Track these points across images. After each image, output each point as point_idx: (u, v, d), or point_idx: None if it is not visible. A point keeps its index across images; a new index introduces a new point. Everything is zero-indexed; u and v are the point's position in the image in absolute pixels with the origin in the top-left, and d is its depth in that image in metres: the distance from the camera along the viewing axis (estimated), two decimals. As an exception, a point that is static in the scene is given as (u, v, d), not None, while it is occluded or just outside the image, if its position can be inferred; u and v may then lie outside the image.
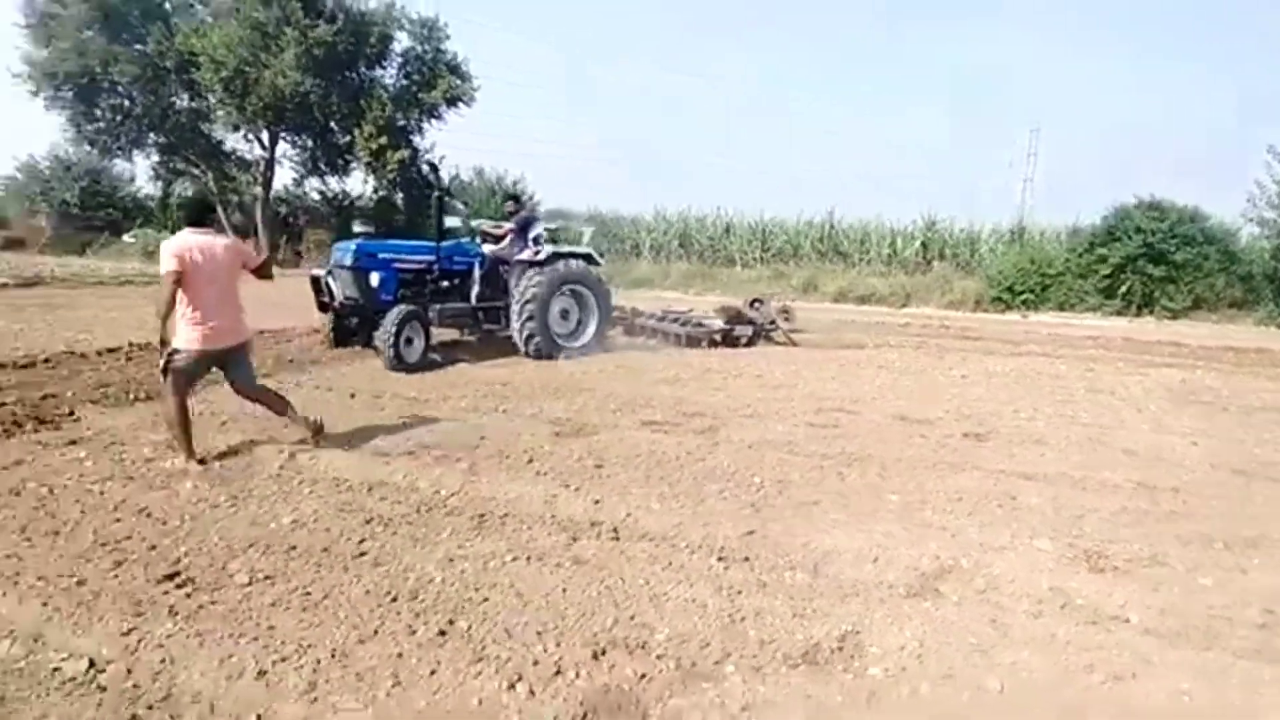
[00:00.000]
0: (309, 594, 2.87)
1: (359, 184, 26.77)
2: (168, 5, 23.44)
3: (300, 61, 21.29)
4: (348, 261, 7.86)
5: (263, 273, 4.82)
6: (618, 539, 3.52)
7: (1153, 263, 15.45)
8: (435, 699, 2.25)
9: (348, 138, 24.88)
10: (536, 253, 8.74)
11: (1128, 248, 15.66)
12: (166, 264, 4.24)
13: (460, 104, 24.14)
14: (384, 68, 24.09)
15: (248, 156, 26.03)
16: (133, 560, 3.11)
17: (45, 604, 2.73)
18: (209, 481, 4.11)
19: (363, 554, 3.25)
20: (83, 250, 27.74)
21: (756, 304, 11.35)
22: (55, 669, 2.39)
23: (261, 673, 2.33)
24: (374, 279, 7.82)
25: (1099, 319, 15.86)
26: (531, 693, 2.30)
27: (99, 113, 24.11)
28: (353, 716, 2.15)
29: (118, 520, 3.52)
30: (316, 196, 26.46)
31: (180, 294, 4.29)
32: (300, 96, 21.82)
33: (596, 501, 3.97)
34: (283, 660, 2.40)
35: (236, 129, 23.74)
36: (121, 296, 14.52)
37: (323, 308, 8.32)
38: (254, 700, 2.22)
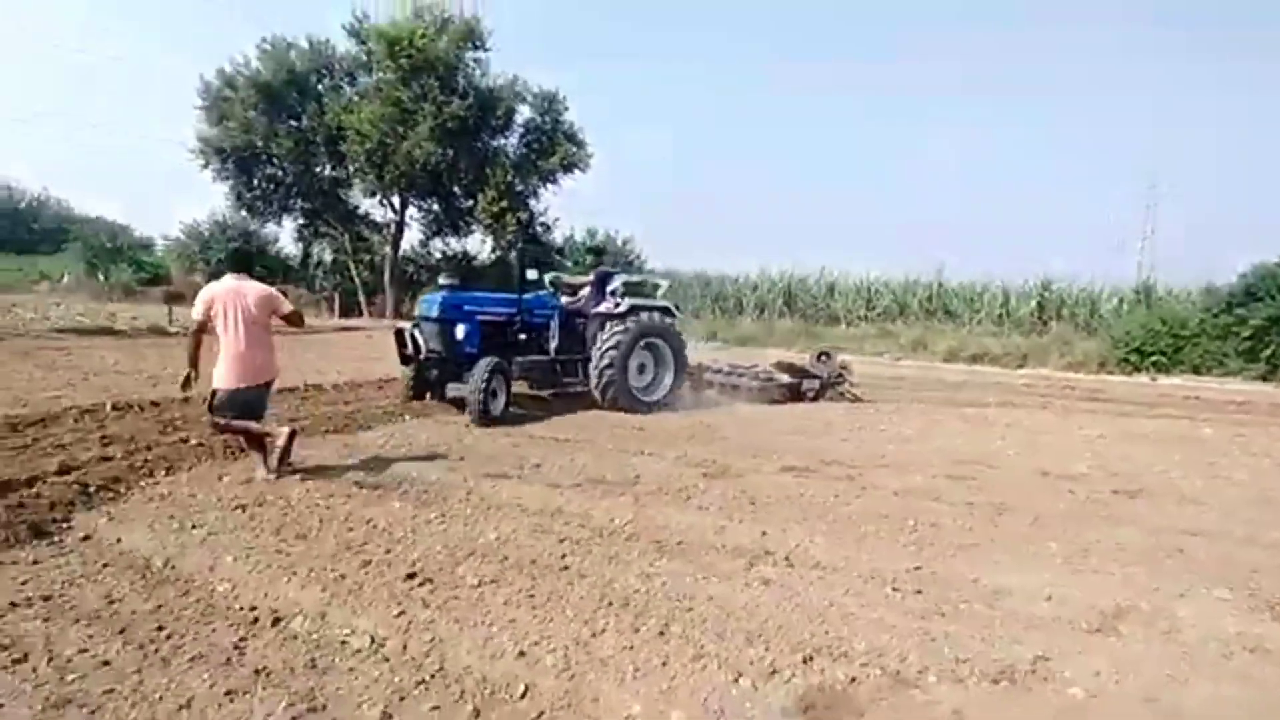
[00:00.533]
0: (533, 596, 3.26)
1: (477, 244, 28.55)
2: (319, 86, 26.12)
3: (434, 134, 23.22)
4: (434, 313, 7.87)
5: (292, 320, 5.26)
6: (792, 566, 3.77)
7: (1299, 325, 14.56)
8: (673, 684, 2.56)
9: (469, 201, 26.77)
10: (616, 305, 8.73)
11: (1271, 308, 14.82)
12: (195, 311, 4.90)
13: (576, 169, 25.58)
14: (506, 137, 25.92)
15: (379, 219, 28.35)
16: (376, 561, 3.61)
17: (323, 590, 3.23)
18: (411, 502, 4.63)
19: (566, 567, 3.63)
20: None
21: (824, 358, 11.18)
22: (343, 641, 2.84)
23: (521, 654, 2.72)
24: (459, 331, 7.80)
25: (1240, 383, 14.95)
26: (754, 687, 2.57)
27: (256, 182, 26.91)
28: (611, 693, 2.48)
29: (350, 530, 4.06)
30: (439, 255, 28.27)
31: (219, 336, 4.87)
32: (432, 165, 23.68)
33: (763, 533, 4.24)
34: (535, 644, 2.78)
35: (373, 194, 25.93)
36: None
37: (405, 360, 8.20)
38: (517, 675, 2.59)
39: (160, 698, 2.36)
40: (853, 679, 2.64)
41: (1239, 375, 15.17)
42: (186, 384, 4.96)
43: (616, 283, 9.15)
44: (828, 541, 4.17)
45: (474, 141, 24.86)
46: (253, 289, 5.01)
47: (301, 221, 29.11)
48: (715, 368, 10.84)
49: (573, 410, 8.44)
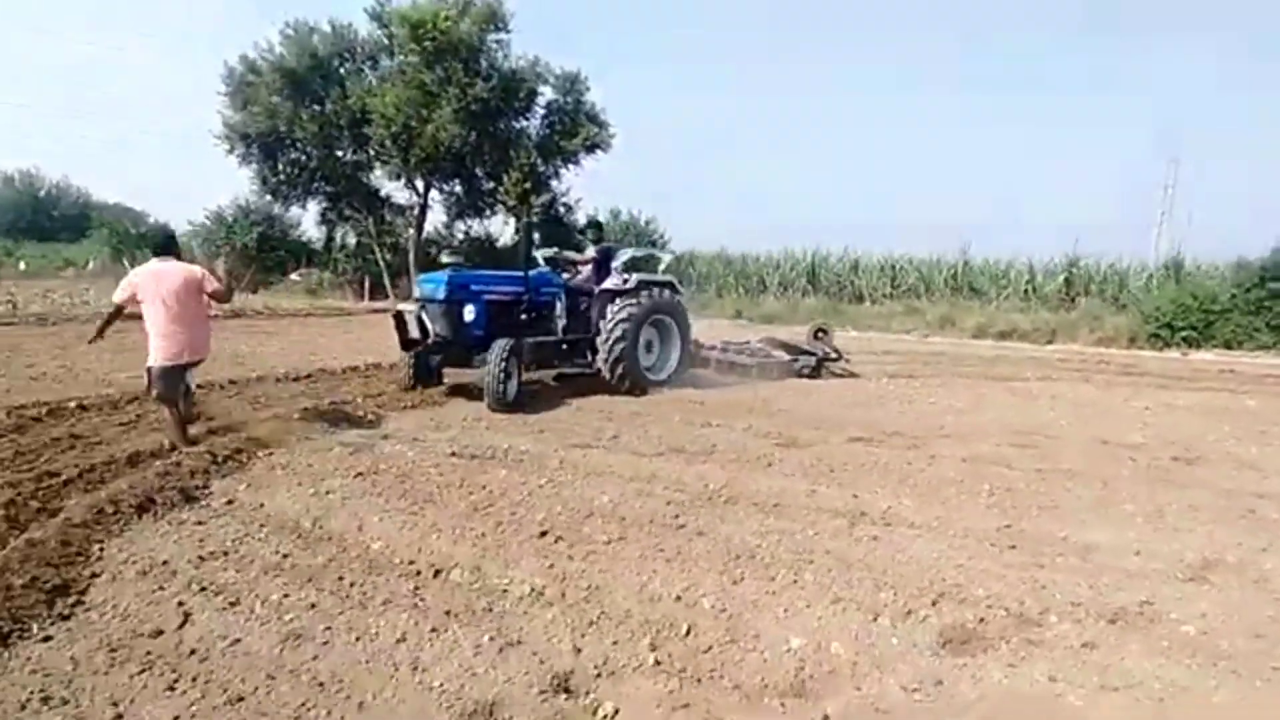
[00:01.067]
0: (662, 550, 3.53)
1: (499, 226, 28.72)
2: (342, 70, 26.20)
3: (458, 116, 23.33)
4: (440, 294, 7.39)
5: (219, 297, 5.43)
6: (890, 525, 4.02)
7: (1334, 298, 14.61)
8: (820, 623, 2.82)
9: (491, 183, 26.92)
10: (625, 280, 8.38)
11: (1304, 283, 14.88)
12: (116, 293, 5.18)
13: (598, 150, 25.65)
14: (528, 119, 25.95)
15: (402, 202, 28.55)
16: (506, 521, 3.88)
17: (471, 546, 3.51)
18: (514, 470, 4.90)
19: (682, 525, 3.90)
20: (255, 288, 30.86)
21: (821, 334, 11.01)
22: (504, 590, 3.11)
23: (677, 598, 2.98)
24: (467, 312, 7.35)
25: (1272, 357, 15.03)
26: (894, 625, 2.83)
27: (280, 166, 27.13)
28: (769, 630, 2.74)
29: (471, 494, 4.33)
30: (461, 237, 28.46)
31: (146, 316, 5.08)
32: (456, 147, 23.81)
33: (854, 496, 4.49)
34: (686, 590, 3.04)
35: (397, 177, 26.11)
36: (313, 326, 16.35)
37: (407, 345, 7.66)
38: (678, 616, 2.86)
39: (376, 633, 2.64)
40: (980, 619, 2.89)
41: (1273, 349, 15.24)
42: (92, 341, 5.52)
43: (623, 258, 8.92)
44: (915, 503, 4.42)
45: (497, 123, 24.92)
46: (176, 270, 5.18)
47: (325, 205, 29.29)
48: (709, 345, 10.45)
49: (582, 393, 8.03)
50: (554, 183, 26.54)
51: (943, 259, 23.23)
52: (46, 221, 52.78)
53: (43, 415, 5.85)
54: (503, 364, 6.84)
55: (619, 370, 8.00)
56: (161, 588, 2.96)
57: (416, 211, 27.23)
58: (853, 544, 3.67)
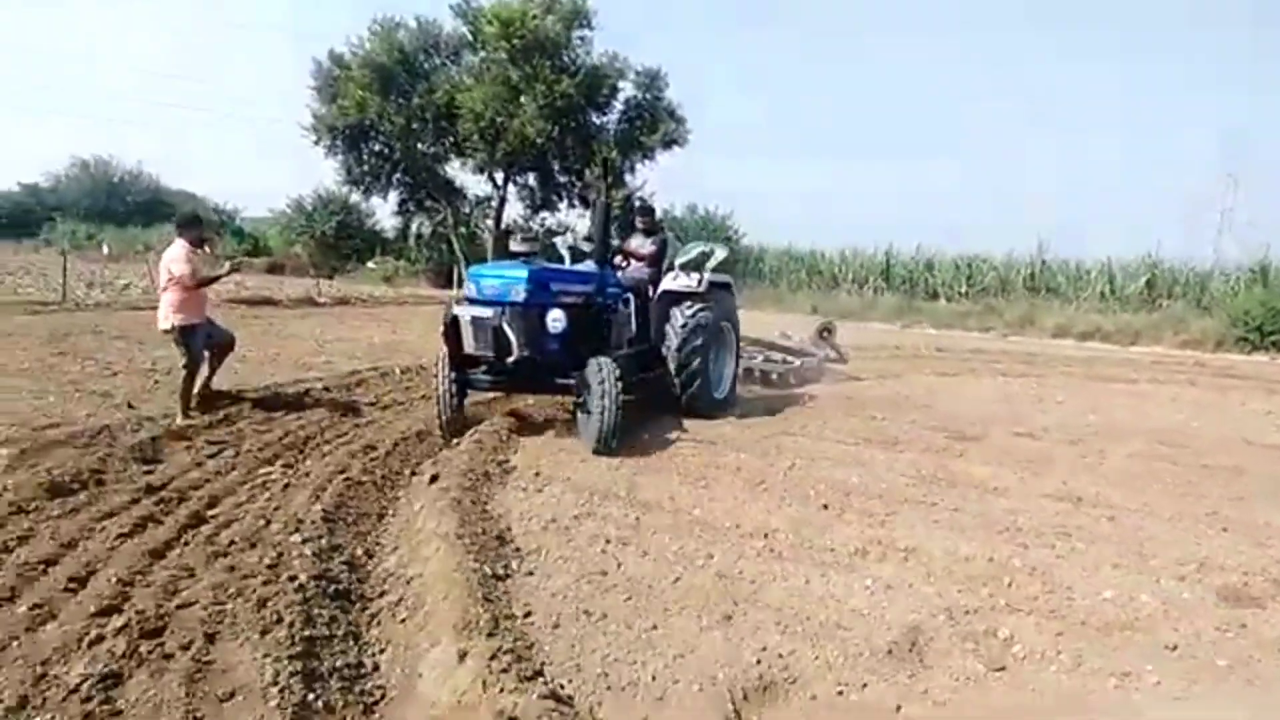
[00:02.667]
0: (936, 521, 4.22)
1: (573, 218, 29.54)
2: (427, 65, 27.15)
3: (543, 112, 24.14)
4: (518, 295, 5.63)
5: (183, 284, 5.81)
6: (1110, 509, 4.64)
7: None
8: (1116, 581, 3.49)
9: (566, 177, 27.76)
10: (700, 280, 6.94)
11: (1401, 289, 14.99)
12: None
13: (675, 146, 26.30)
14: (608, 114, 26.67)
15: (479, 194, 29.57)
16: (786, 496, 4.59)
17: (772, 513, 4.24)
18: (757, 456, 5.58)
19: (935, 503, 4.57)
20: (332, 275, 32.09)
21: (826, 334, 10.13)
22: (832, 548, 3.81)
23: (990, 559, 3.67)
24: (553, 321, 5.71)
25: (1364, 363, 15.21)
26: (1177, 584, 3.48)
27: (364, 157, 28.25)
28: (1081, 585, 3.42)
29: (737, 473, 5.06)
30: (539, 229, 29.34)
31: None
32: (539, 142, 24.61)
33: (1063, 483, 5.13)
34: (989, 552, 3.73)
35: (480, 170, 27.07)
36: (417, 311, 17.34)
37: (463, 363, 5.85)
38: (995, 572, 3.54)
39: (783, 575, 3.37)
40: (1244, 582, 3.53)
41: (1363, 355, 15.39)
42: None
43: (692, 253, 7.36)
44: (1116, 492, 5.03)
45: (579, 118, 25.69)
46: (168, 252, 6.00)
47: (404, 195, 30.38)
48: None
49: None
50: (628, 177, 27.19)
51: (1017, 258, 23.53)
52: (120, 207, 54.82)
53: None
54: (616, 391, 5.40)
55: (691, 389, 6.67)
56: (571, 540, 3.74)
57: (496, 203, 28.19)
58: (1093, 522, 4.32)
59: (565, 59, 24.93)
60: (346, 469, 4.75)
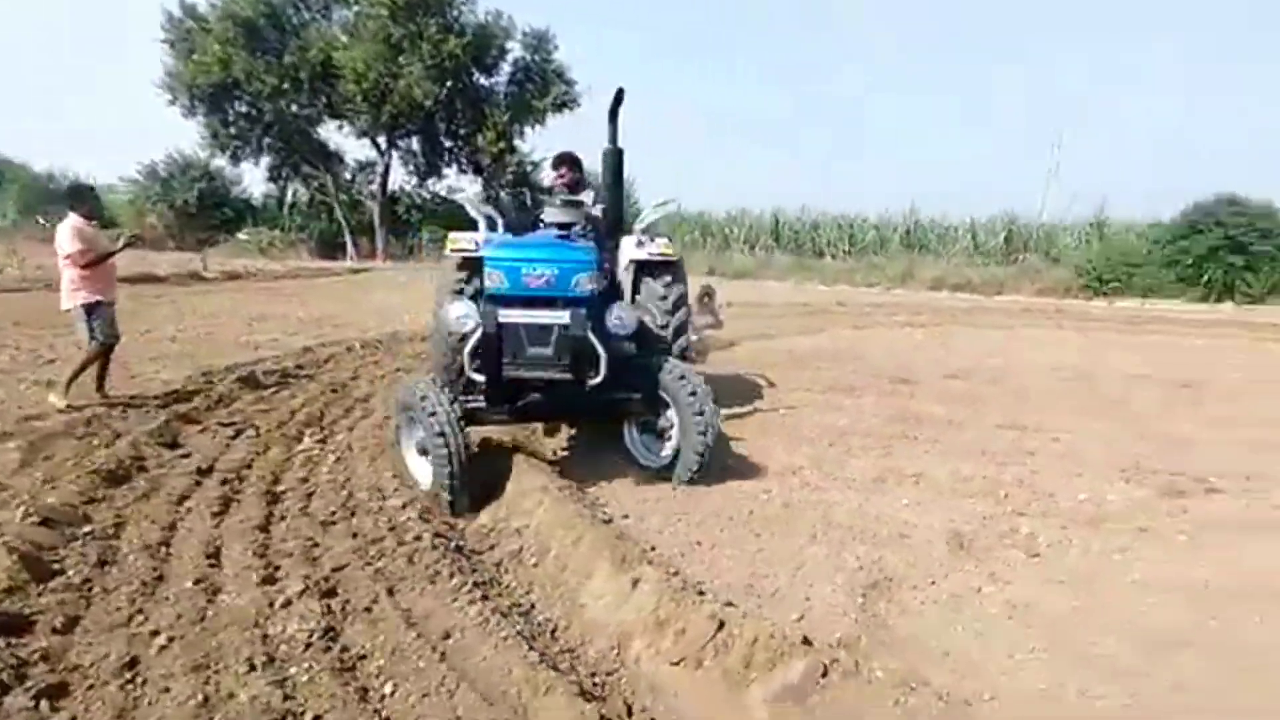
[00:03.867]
0: (928, 451, 4.92)
1: (464, 185, 28.84)
2: (296, 20, 25.44)
3: (430, 72, 23.34)
4: (590, 287, 4.18)
5: (75, 261, 5.34)
6: (1052, 432, 5.54)
7: (1234, 253, 17.43)
8: (1084, 487, 4.30)
9: (454, 141, 27.05)
10: (664, 251, 5.45)
11: (1210, 239, 17.63)
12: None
13: (566, 109, 26.16)
14: (495, 75, 26.07)
15: (361, 159, 28.25)
16: (809, 440, 5.18)
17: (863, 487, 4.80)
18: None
19: (916, 437, 5.29)
20: (198, 247, 29.81)
21: (706, 298, 8.41)
22: (851, 478, 4.42)
23: (984, 477, 4.39)
24: (621, 319, 4.31)
25: (1182, 304, 17.83)
26: (1129, 484, 4.34)
27: (230, 120, 26.24)
28: (1060, 490, 4.20)
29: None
30: (428, 195, 28.48)
31: None
32: (429, 105, 23.80)
33: (1006, 415, 6.02)
34: (983, 471, 4.45)
35: (363, 134, 25.82)
36: (320, 287, 16.70)
37: (501, 386, 4.15)
38: (990, 487, 4.26)
39: (815, 508, 3.91)
40: (1173, 480, 4.45)
41: (1181, 298, 18.03)
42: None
43: (648, 218, 5.74)
44: (1050, 419, 5.97)
45: (468, 79, 25.04)
46: (58, 228, 5.50)
47: (276, 161, 28.52)
48: None
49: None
50: (518, 142, 26.77)
51: (891, 218, 25.45)
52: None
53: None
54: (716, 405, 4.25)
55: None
56: (639, 487, 4.14)
57: (381, 169, 27.05)
58: (1045, 444, 5.19)
59: (449, 17, 24.10)
60: (380, 439, 4.87)
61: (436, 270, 5.72)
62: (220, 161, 28.84)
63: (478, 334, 4.02)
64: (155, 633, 2.54)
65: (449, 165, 28.32)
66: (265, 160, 28.34)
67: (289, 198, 30.24)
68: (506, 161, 24.98)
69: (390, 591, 2.85)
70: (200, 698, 2.17)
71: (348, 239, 27.67)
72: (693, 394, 4.14)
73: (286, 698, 2.19)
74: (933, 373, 8.00)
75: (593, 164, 5.34)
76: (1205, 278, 17.90)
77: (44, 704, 2.15)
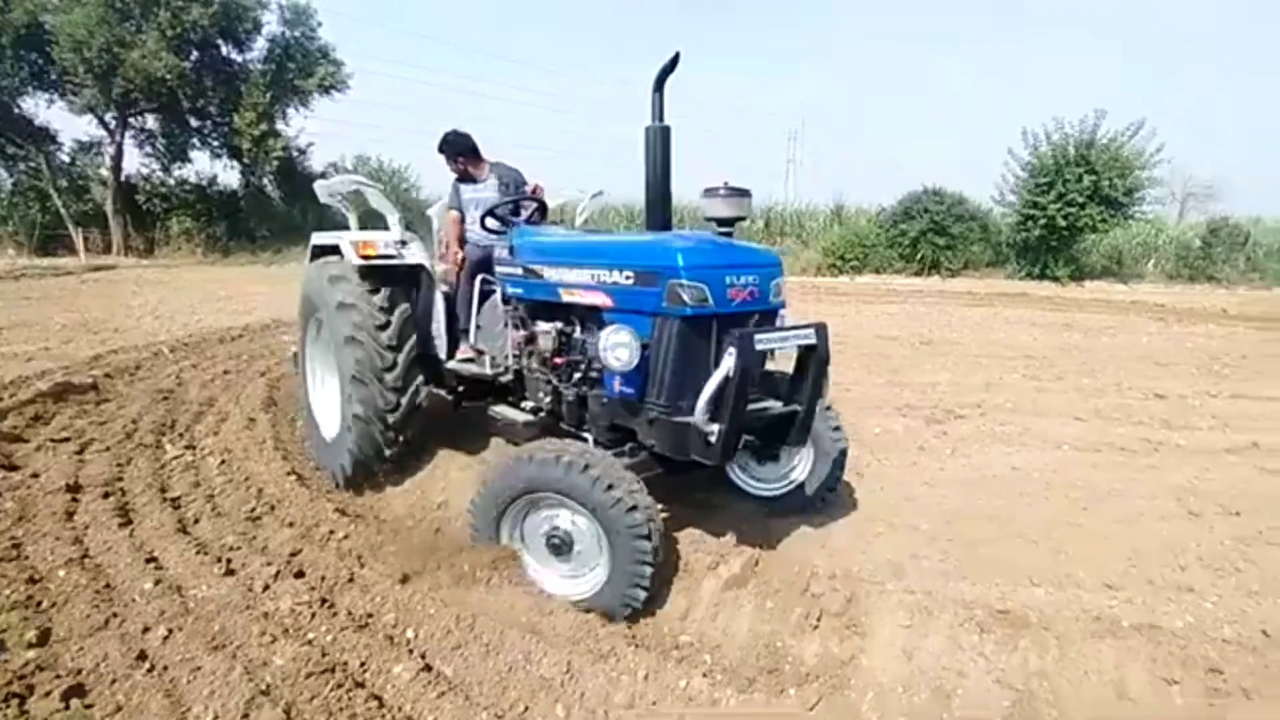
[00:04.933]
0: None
1: (220, 170, 26.08)
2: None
3: (170, 44, 20.88)
4: (781, 297, 3.41)
5: None
6: (1020, 391, 6.83)
7: (938, 235, 21.20)
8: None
9: (199, 121, 24.39)
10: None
11: (920, 224, 21.27)
12: None
13: (334, 91, 24.65)
14: (248, 51, 23.82)
15: (81, 138, 24.41)
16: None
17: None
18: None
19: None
20: None
21: None
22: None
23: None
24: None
25: (904, 278, 21.36)
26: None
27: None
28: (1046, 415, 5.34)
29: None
30: (174, 181, 25.32)
31: None
32: (170, 80, 21.23)
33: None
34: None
35: (90, 110, 22.32)
36: (66, 288, 14.58)
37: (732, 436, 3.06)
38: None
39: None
40: (1141, 425, 5.81)
41: (903, 273, 21.56)
42: None
43: (590, 205, 5.79)
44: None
45: (217, 53, 22.67)
46: None
47: (-36, 138, 23.78)
48: None
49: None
50: (281, 125, 24.70)
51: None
52: None
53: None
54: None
55: None
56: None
57: (113, 151, 23.59)
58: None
59: (193, -17, 21.60)
60: (262, 441, 4.82)
61: (289, 274, 5.58)
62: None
63: (722, 373, 2.88)
64: (146, 629, 2.60)
65: (199, 148, 25.40)
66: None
67: (-10, 181, 25.25)
68: (270, 146, 22.97)
69: (362, 563, 3.10)
70: (240, 669, 2.35)
71: (72, 231, 23.80)
72: (837, 428, 3.80)
73: (324, 653, 2.45)
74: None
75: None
76: (919, 255, 21.56)
77: (74, 702, 2.21)
